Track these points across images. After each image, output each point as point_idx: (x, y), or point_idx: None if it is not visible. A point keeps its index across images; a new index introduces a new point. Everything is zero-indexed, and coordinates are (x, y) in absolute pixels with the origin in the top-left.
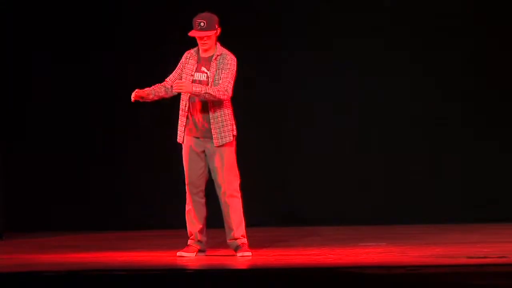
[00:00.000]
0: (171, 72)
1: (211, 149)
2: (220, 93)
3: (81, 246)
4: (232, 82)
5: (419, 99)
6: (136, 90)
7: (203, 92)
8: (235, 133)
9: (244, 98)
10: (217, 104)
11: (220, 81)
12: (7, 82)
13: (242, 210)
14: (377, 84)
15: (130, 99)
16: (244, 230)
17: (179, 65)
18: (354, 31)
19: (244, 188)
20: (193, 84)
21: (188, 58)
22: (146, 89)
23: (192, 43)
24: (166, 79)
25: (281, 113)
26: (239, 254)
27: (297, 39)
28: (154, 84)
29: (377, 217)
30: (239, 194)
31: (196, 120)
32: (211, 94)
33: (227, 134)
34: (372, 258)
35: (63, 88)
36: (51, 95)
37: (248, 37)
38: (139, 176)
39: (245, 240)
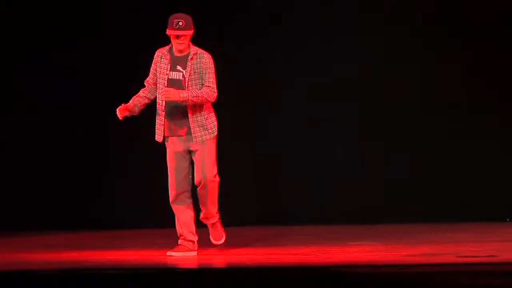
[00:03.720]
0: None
1: (194, 147)
2: (209, 94)
3: (72, 245)
4: (215, 81)
5: (408, 99)
6: (119, 108)
7: (191, 96)
8: (215, 133)
9: (234, 96)
10: (196, 105)
11: (206, 83)
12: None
13: (217, 193)
14: (369, 84)
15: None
16: (216, 208)
17: (153, 64)
18: (351, 31)
19: (235, 188)
20: (180, 90)
21: (161, 57)
22: (129, 103)
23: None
24: (146, 82)
25: (271, 114)
26: (216, 242)
27: (291, 39)
28: (141, 87)
29: (367, 216)
30: (217, 183)
31: (177, 121)
32: (199, 97)
33: (208, 132)
34: (362, 257)
35: (59, 88)
36: (46, 94)
37: (240, 36)
38: (131, 177)
39: (217, 217)
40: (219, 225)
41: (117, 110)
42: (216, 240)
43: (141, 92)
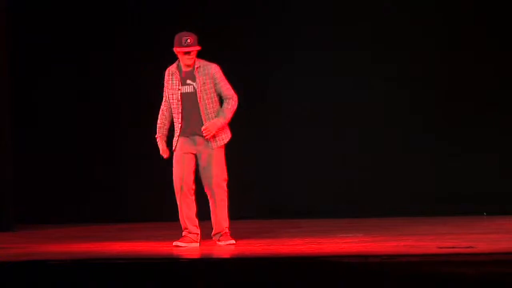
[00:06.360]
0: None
1: (202, 148)
2: (233, 103)
3: (84, 237)
4: (230, 86)
5: (396, 101)
6: (163, 151)
7: (226, 119)
8: (223, 143)
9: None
10: (211, 115)
11: (224, 93)
12: (13, 82)
13: (227, 206)
14: (357, 85)
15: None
16: (228, 222)
17: (165, 84)
18: (349, 31)
19: (233, 183)
20: (216, 121)
21: (171, 75)
22: (163, 142)
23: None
24: (162, 107)
25: (270, 111)
26: (222, 242)
27: (283, 39)
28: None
29: (355, 210)
30: (226, 192)
31: (192, 123)
32: (230, 111)
33: (216, 140)
34: (350, 248)
35: (65, 88)
36: (54, 94)
37: (240, 36)
38: (140, 174)
39: (227, 230)
40: (227, 235)
41: (163, 153)
42: (219, 241)
43: (162, 122)
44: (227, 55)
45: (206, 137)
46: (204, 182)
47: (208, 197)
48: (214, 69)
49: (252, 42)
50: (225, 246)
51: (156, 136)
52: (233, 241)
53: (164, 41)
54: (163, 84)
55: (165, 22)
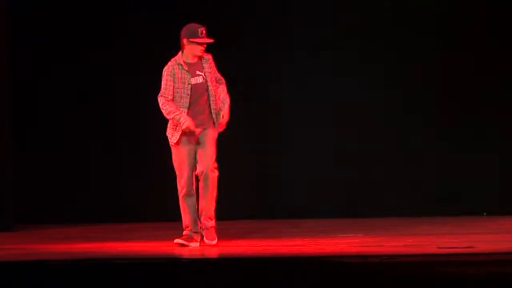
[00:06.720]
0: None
1: (200, 134)
2: (226, 89)
3: (85, 237)
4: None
5: (395, 100)
6: (192, 124)
7: (229, 106)
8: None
9: (234, 95)
10: (216, 101)
11: (218, 78)
12: (13, 82)
13: (216, 190)
14: (358, 85)
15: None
16: (213, 212)
17: (169, 77)
18: (349, 31)
19: (234, 183)
20: (227, 109)
21: (179, 68)
22: (186, 116)
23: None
24: (166, 97)
25: (270, 111)
26: (213, 241)
27: (283, 39)
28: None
29: (355, 210)
30: (217, 174)
31: (196, 113)
32: (228, 97)
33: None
34: (350, 248)
35: (65, 88)
36: (54, 94)
37: (235, 36)
38: (138, 173)
39: (213, 223)
40: (213, 230)
41: (191, 126)
42: (209, 240)
43: (174, 105)
44: (227, 55)
45: (223, 129)
46: (198, 167)
47: (199, 182)
48: (211, 60)
49: (252, 42)
50: (225, 246)
51: (175, 115)
52: (215, 241)
53: (164, 41)
54: (161, 78)
55: (165, 22)
